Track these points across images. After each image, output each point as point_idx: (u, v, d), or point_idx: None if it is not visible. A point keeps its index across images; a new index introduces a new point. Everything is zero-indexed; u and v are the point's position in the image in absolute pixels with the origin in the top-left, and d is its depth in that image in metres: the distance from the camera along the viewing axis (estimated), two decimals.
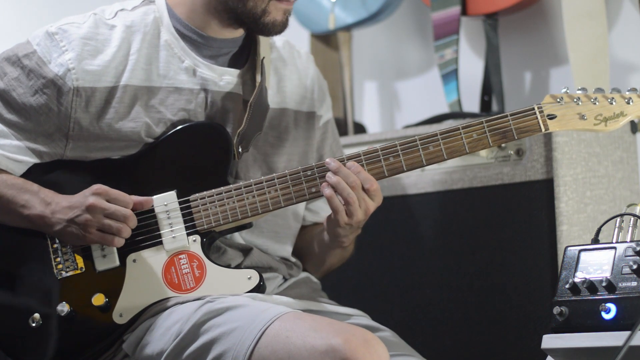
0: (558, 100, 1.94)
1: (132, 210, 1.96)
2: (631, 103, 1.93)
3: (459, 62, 2.79)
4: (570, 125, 1.93)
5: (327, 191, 1.95)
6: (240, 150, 2.02)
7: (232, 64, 2.09)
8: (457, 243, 2.48)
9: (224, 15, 2.03)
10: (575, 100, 1.93)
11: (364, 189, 1.95)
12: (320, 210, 2.23)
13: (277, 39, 2.19)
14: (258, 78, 2.06)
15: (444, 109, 2.83)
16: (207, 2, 2.03)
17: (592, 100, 1.93)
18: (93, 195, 1.94)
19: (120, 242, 1.96)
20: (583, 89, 1.95)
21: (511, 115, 1.94)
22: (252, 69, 2.10)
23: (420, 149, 1.96)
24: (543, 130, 1.93)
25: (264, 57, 2.09)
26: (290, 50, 2.22)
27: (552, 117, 1.93)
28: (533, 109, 1.94)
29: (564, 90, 1.95)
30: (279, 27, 2.03)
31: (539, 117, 1.93)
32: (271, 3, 2.00)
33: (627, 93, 1.94)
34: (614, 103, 1.93)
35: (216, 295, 1.92)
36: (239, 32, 2.09)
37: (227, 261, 2.05)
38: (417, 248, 2.53)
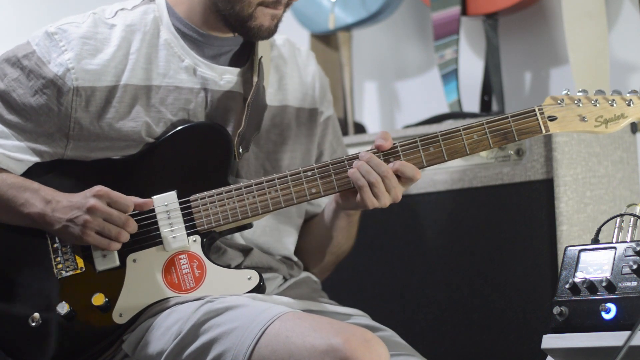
0: (559, 101, 1.93)
1: (133, 211, 1.96)
2: (632, 105, 1.93)
3: (459, 62, 2.79)
4: (571, 127, 1.93)
5: (351, 171, 1.94)
6: (240, 150, 2.03)
7: (233, 62, 2.09)
8: (457, 243, 2.48)
9: (217, 16, 2.03)
10: (575, 102, 1.93)
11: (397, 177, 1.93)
12: (322, 203, 2.22)
13: (278, 37, 2.19)
14: (255, 78, 2.06)
15: (444, 109, 2.83)
16: (204, 0, 2.03)
17: (592, 102, 1.93)
18: (94, 197, 1.94)
19: (116, 246, 1.95)
20: (584, 91, 1.94)
21: (512, 116, 1.93)
22: (253, 67, 2.10)
23: (421, 150, 1.96)
24: (544, 131, 1.93)
25: (261, 57, 2.09)
26: (291, 47, 2.22)
27: (552, 118, 1.93)
28: (534, 110, 1.93)
29: (565, 91, 1.94)
30: (265, 33, 2.03)
31: (539, 118, 1.93)
32: (258, 8, 1.99)
33: (628, 95, 1.94)
34: (614, 105, 1.93)
35: (216, 295, 1.92)
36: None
37: (227, 261, 2.05)
38: (417, 248, 2.53)
